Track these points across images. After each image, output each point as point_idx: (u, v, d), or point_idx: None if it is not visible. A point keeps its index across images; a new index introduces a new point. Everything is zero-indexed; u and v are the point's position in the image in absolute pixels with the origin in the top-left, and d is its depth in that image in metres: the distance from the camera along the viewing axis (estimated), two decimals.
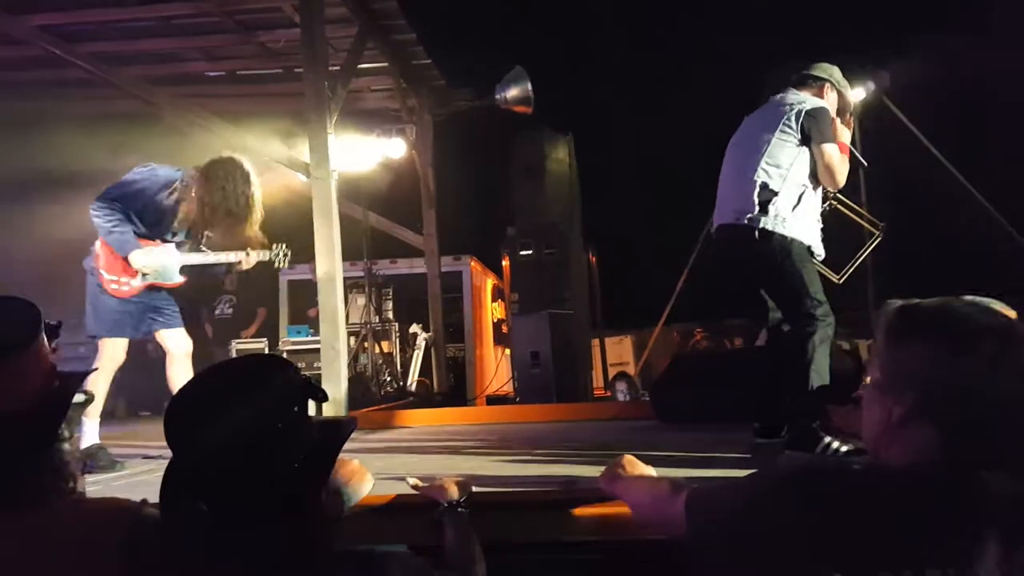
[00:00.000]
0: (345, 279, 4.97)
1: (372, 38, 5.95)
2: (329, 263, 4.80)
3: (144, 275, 3.53)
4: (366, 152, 6.17)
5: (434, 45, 6.60)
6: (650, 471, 1.66)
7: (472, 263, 8.13)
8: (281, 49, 6.36)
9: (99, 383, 3.35)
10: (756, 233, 2.84)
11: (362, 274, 6.91)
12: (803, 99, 2.95)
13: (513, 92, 6.13)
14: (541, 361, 5.75)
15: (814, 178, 2.92)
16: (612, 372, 8.15)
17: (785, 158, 2.87)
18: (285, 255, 3.74)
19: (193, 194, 3.46)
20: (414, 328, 7.37)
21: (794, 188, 2.88)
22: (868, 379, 1.18)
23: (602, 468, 1.63)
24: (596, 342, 7.74)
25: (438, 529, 1.66)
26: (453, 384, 7.39)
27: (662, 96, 10.51)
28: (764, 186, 2.86)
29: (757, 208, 2.85)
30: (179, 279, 3.65)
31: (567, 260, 6.29)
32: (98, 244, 3.52)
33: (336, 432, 1.16)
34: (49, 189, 6.63)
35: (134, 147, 6.22)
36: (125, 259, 3.46)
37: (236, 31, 6.06)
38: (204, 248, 3.69)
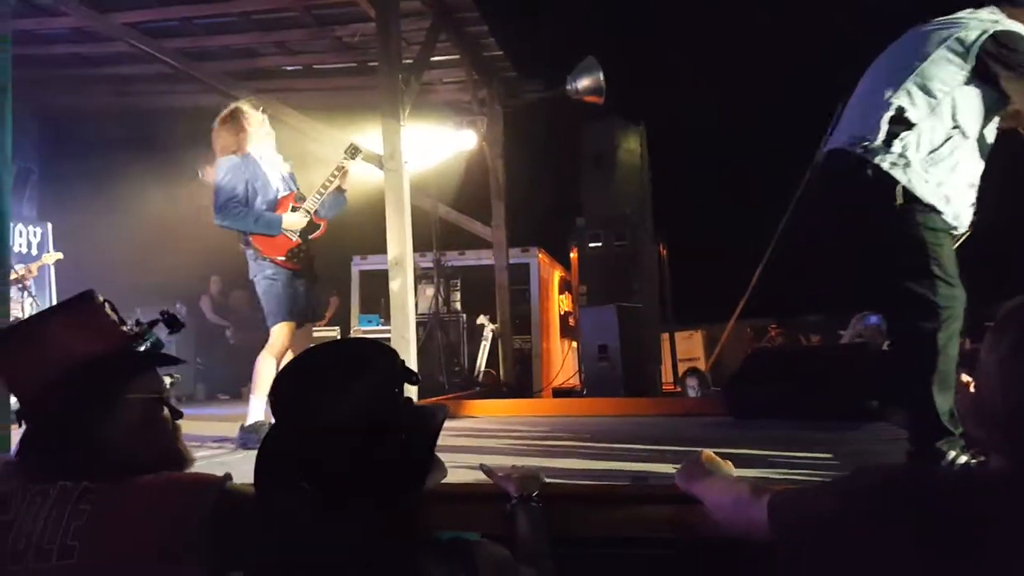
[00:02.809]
0: (414, 269, 5.04)
1: (445, 30, 5.98)
2: (400, 253, 4.86)
3: (302, 233, 3.74)
4: (437, 144, 6.22)
5: (505, 36, 6.59)
6: (729, 470, 1.61)
7: (540, 255, 8.10)
8: (356, 43, 6.46)
9: (266, 366, 3.61)
10: (868, 171, 2.17)
11: (431, 264, 6.98)
12: (994, 18, 2.21)
13: (585, 82, 6.06)
14: (609, 355, 5.68)
15: (975, 126, 2.19)
16: (682, 367, 7.99)
17: (941, 83, 2.17)
18: (353, 151, 3.92)
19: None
20: (481, 319, 7.40)
21: (941, 128, 2.17)
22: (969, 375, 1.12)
23: (674, 465, 1.59)
24: (666, 336, 7.61)
25: (509, 520, 1.65)
26: (519, 376, 7.40)
27: (737, 85, 10.24)
28: (900, 112, 2.18)
29: (881, 137, 2.18)
30: (321, 223, 3.86)
31: (637, 252, 6.19)
32: (251, 247, 3.72)
33: (433, 418, 1.16)
34: (137, 179, 6.94)
35: (208, 139, 6.46)
36: (280, 235, 3.68)
37: (313, 26, 6.19)
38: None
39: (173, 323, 1.41)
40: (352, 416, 1.06)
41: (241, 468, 1.39)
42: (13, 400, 2.44)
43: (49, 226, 6.94)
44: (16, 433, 2.24)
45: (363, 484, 1.05)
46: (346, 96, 7.08)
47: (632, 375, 5.66)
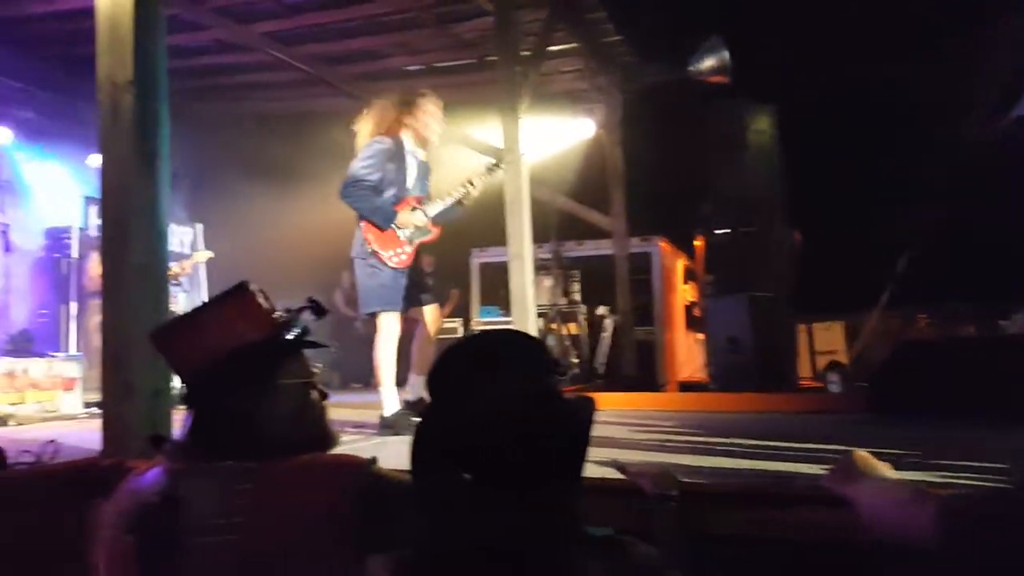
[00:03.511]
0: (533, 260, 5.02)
1: (562, 19, 5.92)
2: (519, 245, 4.86)
3: (411, 235, 3.79)
4: (555, 134, 6.17)
5: (624, 21, 6.43)
6: (887, 472, 1.47)
7: (662, 244, 7.87)
8: (473, 39, 6.53)
9: (383, 352, 3.70)
10: None
11: (550, 256, 6.95)
12: None
13: (709, 62, 5.81)
14: (740, 347, 5.42)
15: None
16: (821, 361, 7.52)
17: None
18: (495, 166, 3.95)
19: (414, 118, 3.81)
20: (601, 310, 7.30)
21: None
22: None
23: (817, 464, 1.47)
24: (802, 328, 7.20)
25: (643, 519, 1.58)
26: (642, 369, 7.23)
27: (875, 61, 9.50)
28: None
29: None
30: (434, 230, 3.90)
31: (768, 238, 5.86)
32: (361, 229, 3.78)
33: (586, 409, 1.12)
34: (274, 180, 7.35)
35: (338, 140, 6.73)
36: (390, 230, 3.73)
37: (432, 25, 6.30)
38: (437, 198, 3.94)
39: (319, 309, 1.47)
40: (514, 404, 1.03)
41: (379, 453, 1.42)
42: (175, 383, 2.63)
43: (200, 227, 7.47)
44: (177, 415, 2.41)
45: (522, 474, 1.02)
46: (465, 92, 7.16)
47: (765, 369, 5.37)
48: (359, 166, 3.74)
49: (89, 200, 6.68)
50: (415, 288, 3.85)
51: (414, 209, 3.82)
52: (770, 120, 6.28)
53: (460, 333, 7.97)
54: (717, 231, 5.92)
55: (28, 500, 2.16)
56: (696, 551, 1.52)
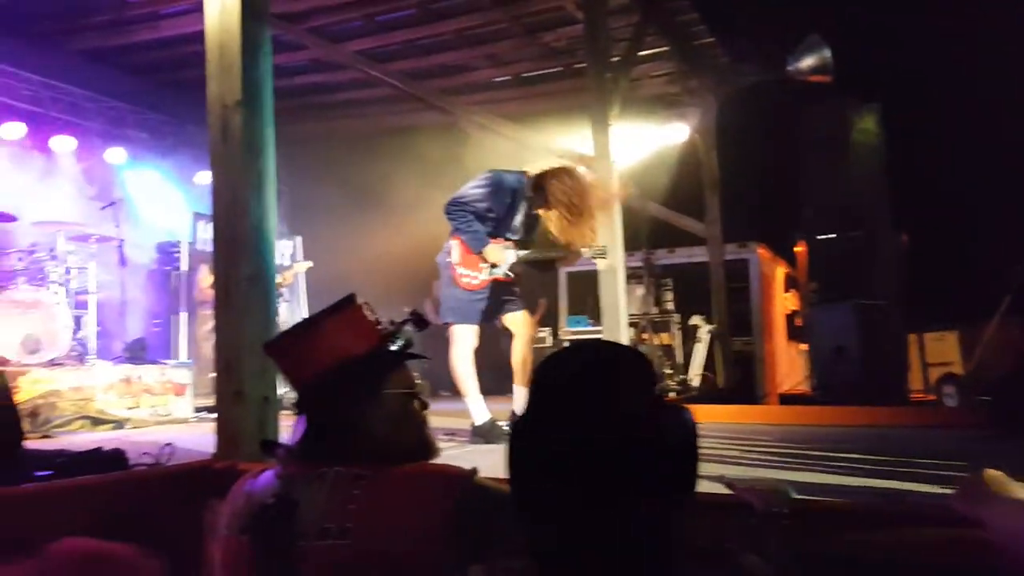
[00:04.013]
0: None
1: (653, 24, 5.84)
2: (610, 254, 4.79)
3: (492, 269, 3.79)
4: (646, 140, 6.07)
5: (718, 22, 6.28)
6: (1021, 492, 1.35)
7: (760, 250, 7.60)
8: (562, 47, 6.53)
9: (460, 365, 3.73)
10: None
11: (640, 264, 6.83)
12: None
13: (809, 61, 5.59)
14: (846, 358, 5.15)
15: None
16: (934, 373, 7.07)
17: None
18: (601, 254, 3.85)
19: (546, 193, 3.71)
20: (696, 320, 7.10)
21: None
22: None
23: (936, 483, 1.36)
24: (913, 338, 6.79)
25: (752, 536, 1.51)
26: (740, 380, 6.99)
27: (997, 48, 8.89)
28: None
29: None
30: (512, 275, 3.87)
31: (875, 244, 5.55)
32: (453, 242, 3.84)
33: (693, 420, 1.07)
34: (366, 194, 7.56)
35: (427, 154, 6.88)
36: (478, 254, 3.76)
37: (520, 35, 6.34)
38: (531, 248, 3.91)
39: (421, 322, 1.49)
40: (627, 415, 1.00)
41: (472, 462, 1.42)
42: (282, 390, 2.72)
43: (299, 239, 7.77)
44: (285, 421, 2.49)
45: (633, 488, 0.98)
46: (553, 101, 7.18)
47: (874, 381, 5.08)
48: (472, 187, 3.78)
49: (197, 216, 7.05)
50: (497, 302, 3.85)
51: (506, 248, 3.80)
52: (875, 119, 5.97)
53: (549, 343, 7.94)
54: (820, 236, 5.65)
55: (148, 499, 2.27)
56: (806, 572, 1.44)
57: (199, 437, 4.12)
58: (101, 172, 7.52)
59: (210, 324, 6.26)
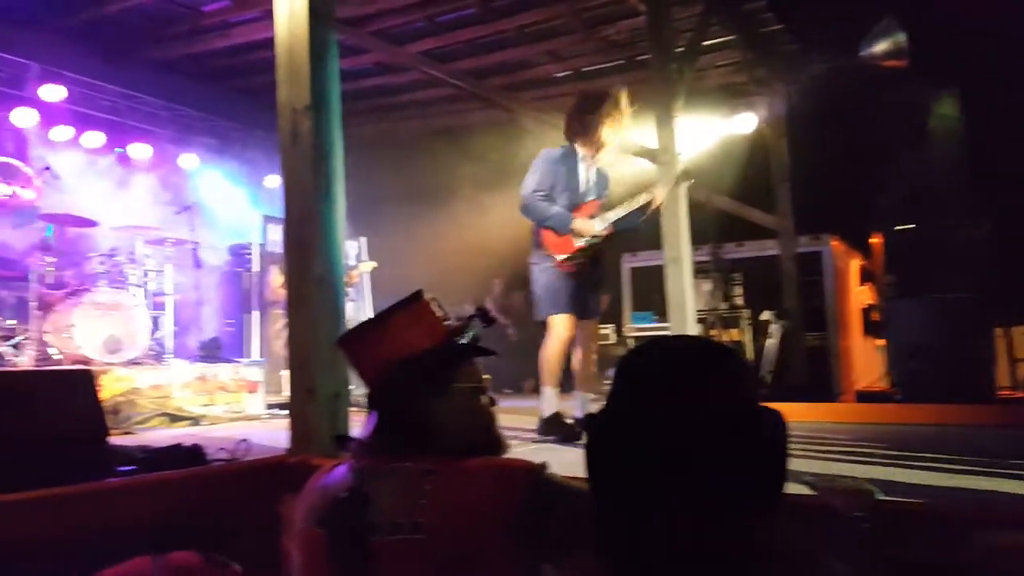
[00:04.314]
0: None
1: (717, 13, 5.70)
2: (676, 248, 4.71)
3: (588, 243, 3.75)
4: (712, 131, 5.93)
5: (785, 8, 6.08)
6: None
7: (833, 242, 7.33)
8: (623, 40, 6.44)
9: (553, 356, 3.69)
10: None
11: (707, 258, 6.68)
12: None
13: (883, 46, 5.35)
14: (927, 354, 4.91)
15: None
16: (1022, 369, 6.70)
17: None
18: (686, 176, 3.88)
19: (583, 124, 3.74)
20: (766, 315, 6.90)
21: None
22: None
23: None
24: (1000, 332, 6.43)
25: (835, 538, 1.44)
26: (814, 377, 6.76)
27: None
28: None
29: None
30: (607, 230, 3.81)
31: (956, 234, 5.29)
32: (539, 235, 3.80)
33: (782, 424, 1.02)
34: (427, 194, 7.63)
35: (487, 152, 6.89)
36: (568, 235, 3.73)
37: (581, 30, 6.28)
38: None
39: (487, 318, 1.49)
40: (719, 413, 0.96)
41: (539, 458, 1.40)
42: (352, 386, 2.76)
43: (364, 240, 7.89)
44: (355, 417, 2.52)
45: (723, 491, 0.95)
46: None
47: (957, 378, 4.83)
48: (528, 179, 3.79)
49: (267, 218, 7.25)
50: (589, 297, 3.84)
51: (592, 216, 3.78)
52: (954, 103, 5.68)
53: (613, 340, 7.85)
54: (897, 227, 5.41)
55: (225, 493, 2.33)
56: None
57: (272, 433, 4.22)
58: (175, 177, 7.82)
59: (280, 323, 6.43)
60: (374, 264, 7.34)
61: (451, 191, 7.48)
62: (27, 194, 5.59)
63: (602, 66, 6.93)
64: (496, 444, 1.46)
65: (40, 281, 5.39)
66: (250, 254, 7.27)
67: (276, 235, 6.90)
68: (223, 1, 5.99)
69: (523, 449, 3.35)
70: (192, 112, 7.72)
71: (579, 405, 3.79)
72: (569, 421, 3.63)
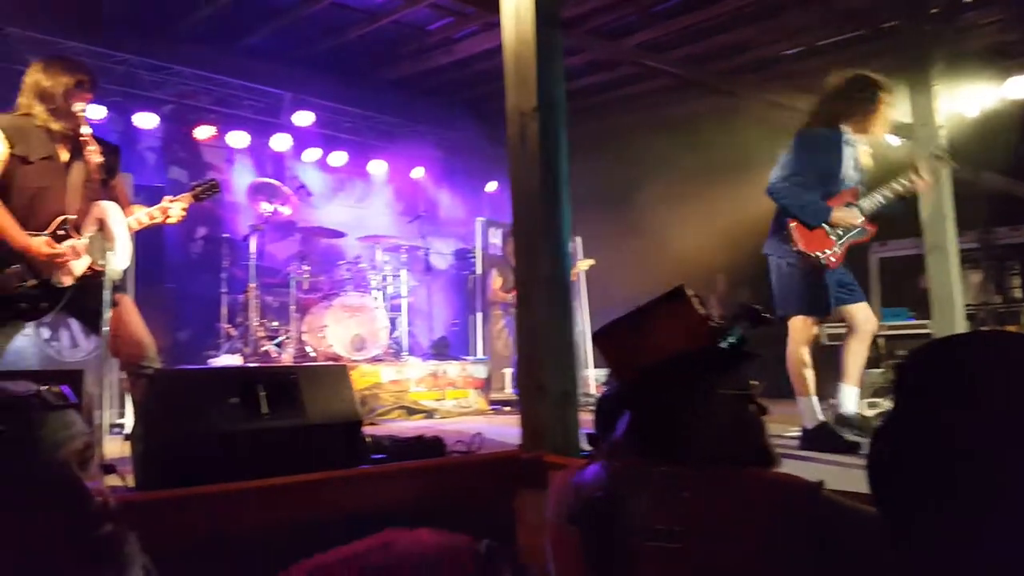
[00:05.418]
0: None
1: None
2: (939, 235, 4.16)
3: (844, 234, 3.45)
4: (978, 100, 5.16)
5: None
6: None
7: None
8: (859, 7, 5.82)
9: (799, 361, 3.43)
10: None
11: (976, 245, 5.82)
12: None
13: None
14: None
15: None
16: None
17: None
18: (941, 156, 3.39)
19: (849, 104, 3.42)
20: None
21: None
22: None
23: None
24: None
25: None
26: None
27: None
28: None
29: None
30: (871, 228, 3.50)
31: None
32: (786, 226, 3.48)
33: None
34: (645, 190, 7.47)
35: (707, 141, 6.58)
36: (820, 228, 3.42)
37: (805, 4, 5.78)
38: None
39: (756, 317, 1.35)
40: None
41: (802, 472, 1.25)
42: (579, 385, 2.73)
43: (580, 239, 7.94)
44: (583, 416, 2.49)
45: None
46: (855, 69, 6.44)
47: None
48: (784, 160, 3.48)
49: (487, 223, 7.55)
50: (842, 288, 3.44)
51: (849, 205, 3.42)
52: None
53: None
54: None
55: (463, 484, 2.40)
56: None
57: (499, 428, 4.36)
58: (407, 189, 8.44)
59: (500, 323, 6.66)
60: (591, 262, 7.34)
61: (667, 183, 7.26)
62: (285, 210, 6.31)
63: (838, 39, 6.33)
64: (766, 458, 1.32)
65: (298, 287, 6.06)
66: (473, 257, 7.61)
67: (496, 238, 7.16)
68: (446, 18, 6.32)
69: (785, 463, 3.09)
70: (421, 127, 8.27)
71: (844, 401, 3.40)
72: (847, 434, 3.27)
